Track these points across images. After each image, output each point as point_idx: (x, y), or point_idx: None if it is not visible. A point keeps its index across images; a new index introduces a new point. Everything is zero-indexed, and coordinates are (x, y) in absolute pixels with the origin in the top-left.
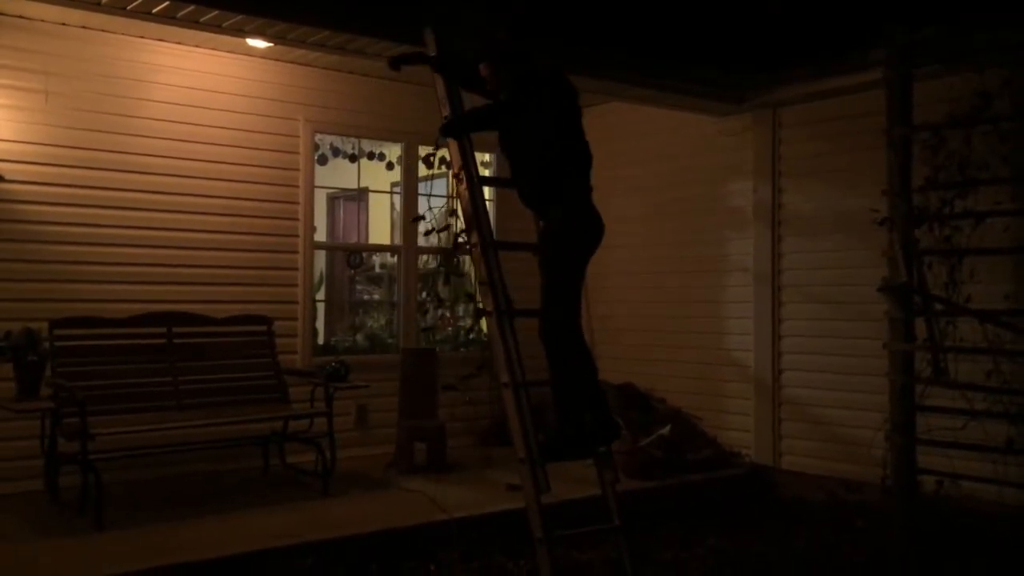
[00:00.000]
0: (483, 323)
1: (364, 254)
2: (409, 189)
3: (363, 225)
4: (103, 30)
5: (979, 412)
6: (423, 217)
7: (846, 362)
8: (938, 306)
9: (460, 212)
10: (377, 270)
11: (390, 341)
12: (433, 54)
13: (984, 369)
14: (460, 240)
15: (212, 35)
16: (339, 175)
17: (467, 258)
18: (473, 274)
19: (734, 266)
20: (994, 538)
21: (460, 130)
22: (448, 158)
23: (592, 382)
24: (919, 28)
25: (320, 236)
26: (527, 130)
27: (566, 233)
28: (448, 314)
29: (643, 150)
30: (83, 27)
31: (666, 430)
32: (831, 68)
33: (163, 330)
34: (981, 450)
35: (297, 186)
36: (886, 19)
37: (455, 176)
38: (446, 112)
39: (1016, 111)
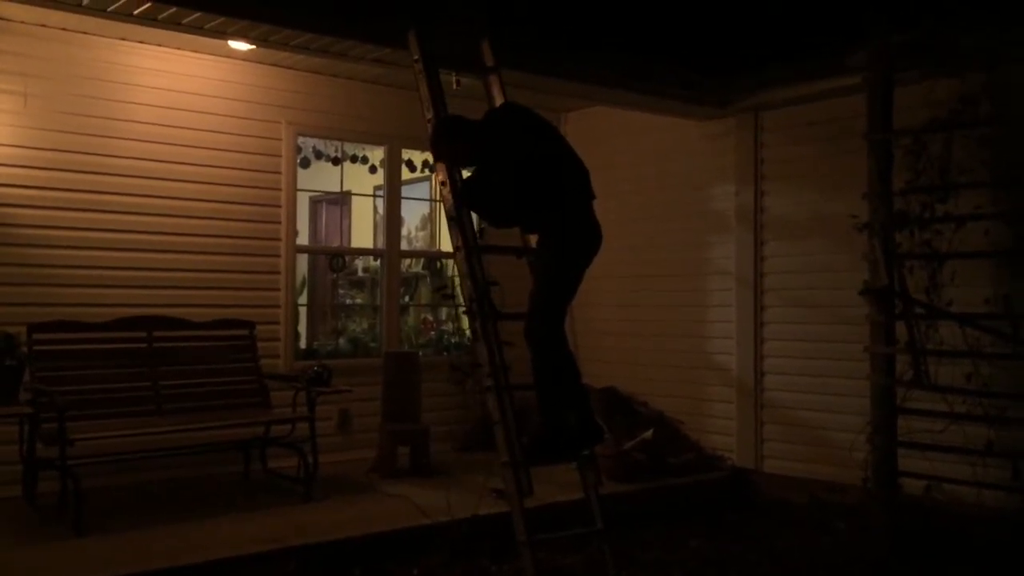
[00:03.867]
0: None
1: (347, 258)
2: (392, 193)
3: (346, 228)
4: (83, 32)
5: (959, 415)
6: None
7: (828, 365)
8: (918, 309)
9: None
10: (360, 274)
11: (373, 345)
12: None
13: (964, 372)
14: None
15: (194, 37)
16: (322, 178)
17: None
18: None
19: (716, 269)
20: (973, 540)
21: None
22: (431, 161)
23: (576, 386)
24: (900, 32)
25: (302, 239)
26: (510, 162)
27: (564, 245)
28: (431, 318)
29: (625, 154)
30: (63, 29)
31: (649, 434)
32: (812, 72)
33: (143, 334)
34: (961, 453)
35: (279, 189)
36: (867, 23)
37: (440, 182)
38: (429, 115)
39: (996, 115)
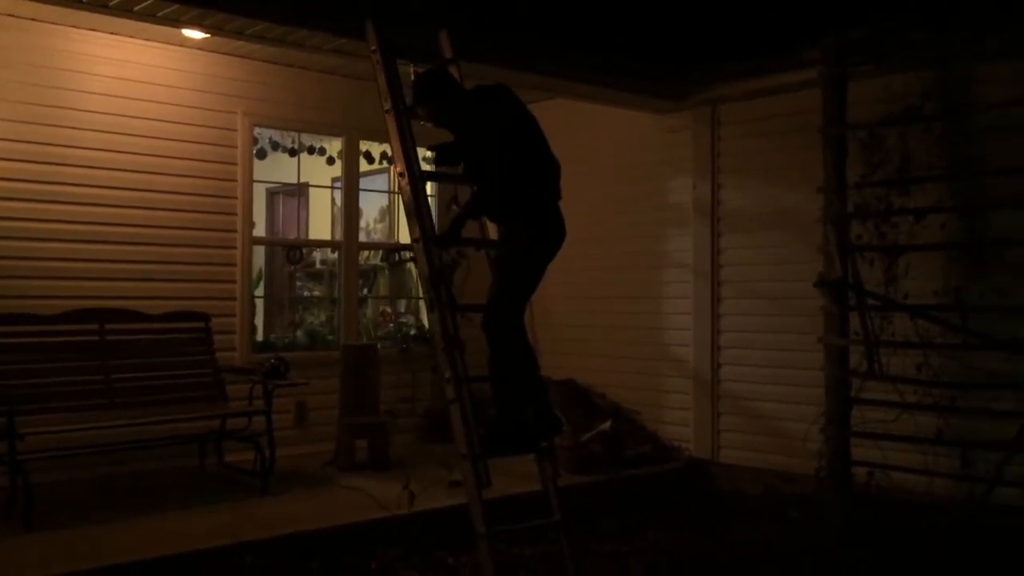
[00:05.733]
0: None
1: (304, 250)
2: (350, 184)
3: (303, 220)
4: (33, 19)
5: (910, 404)
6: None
7: (783, 356)
8: (871, 301)
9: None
10: (318, 266)
11: (330, 338)
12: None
13: (915, 363)
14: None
15: (147, 25)
16: (278, 169)
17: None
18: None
19: (674, 262)
20: (923, 528)
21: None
22: (390, 153)
23: (534, 379)
24: (854, 28)
25: (259, 231)
26: (481, 147)
27: (528, 241)
28: (389, 310)
29: (585, 147)
30: (10, 15)
31: (607, 425)
32: (768, 66)
33: (95, 327)
34: (912, 442)
35: (235, 180)
36: (822, 18)
37: (399, 173)
38: (387, 106)
39: (948, 111)
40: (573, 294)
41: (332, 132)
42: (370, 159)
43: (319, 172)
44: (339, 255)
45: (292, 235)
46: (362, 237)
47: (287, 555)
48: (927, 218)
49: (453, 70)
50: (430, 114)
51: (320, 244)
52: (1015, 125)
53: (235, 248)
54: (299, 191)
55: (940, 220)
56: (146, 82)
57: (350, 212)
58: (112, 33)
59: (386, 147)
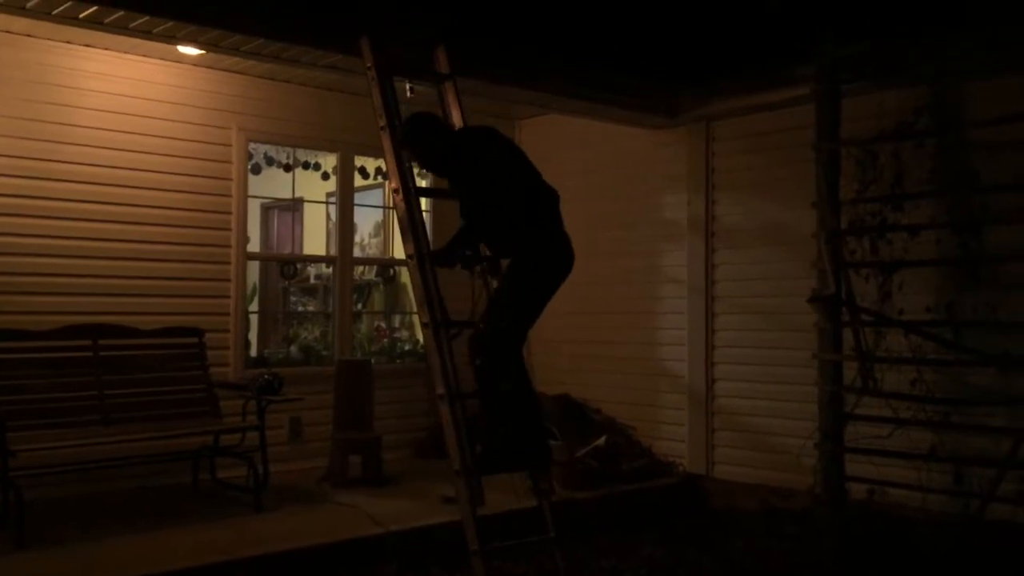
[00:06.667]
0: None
1: (298, 265)
2: (345, 199)
3: (298, 236)
4: (28, 35)
5: (904, 420)
6: None
7: (778, 372)
8: (865, 317)
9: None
10: (312, 281)
11: (325, 353)
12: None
13: (909, 378)
14: None
15: (142, 41)
16: (273, 185)
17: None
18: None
19: (668, 277)
20: (918, 544)
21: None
22: (385, 168)
23: (525, 400)
24: (847, 44)
25: (254, 246)
26: (474, 186)
27: (534, 269)
28: (384, 325)
29: (579, 162)
30: (6, 31)
31: (602, 440)
32: (762, 82)
33: (89, 342)
34: (906, 458)
35: (230, 196)
36: (815, 35)
37: (393, 189)
38: (383, 123)
39: (941, 127)
40: (568, 309)
41: (327, 147)
42: (365, 174)
43: (314, 187)
44: (333, 270)
45: (287, 250)
46: (357, 252)
47: (280, 572)
48: (920, 234)
49: (449, 86)
50: (417, 157)
51: (314, 259)
52: (1008, 141)
53: (229, 263)
54: (294, 206)
55: (933, 236)
56: (141, 98)
57: (345, 227)
58: (107, 49)
59: (381, 162)
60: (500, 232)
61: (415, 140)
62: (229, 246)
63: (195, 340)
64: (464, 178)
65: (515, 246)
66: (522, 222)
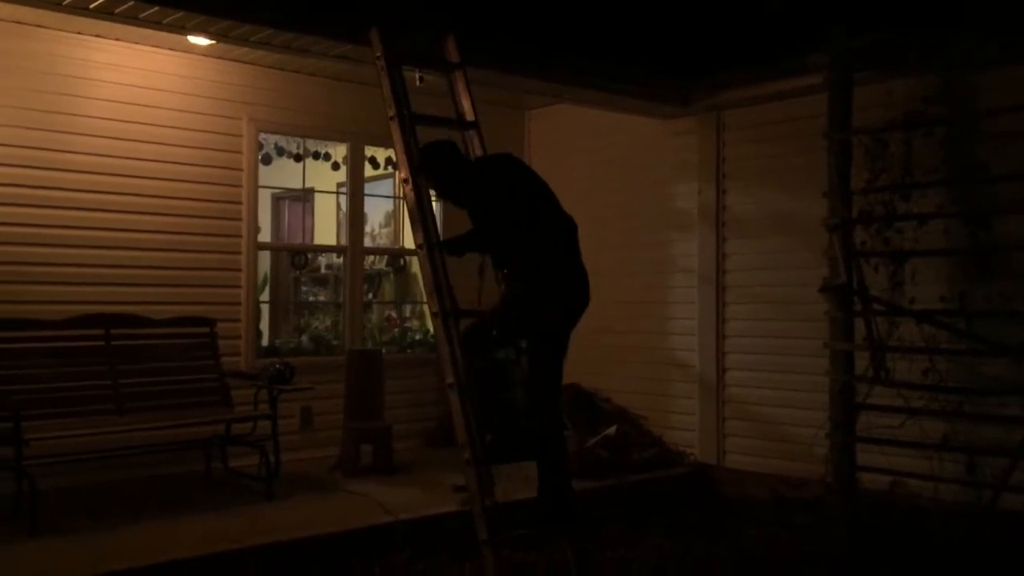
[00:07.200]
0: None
1: (309, 255)
2: (355, 189)
3: (308, 226)
4: (39, 25)
5: (916, 410)
6: None
7: (789, 361)
8: (876, 306)
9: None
10: (322, 271)
11: (335, 343)
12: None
13: (921, 368)
14: None
15: (152, 32)
16: (284, 175)
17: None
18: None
19: (679, 267)
20: (930, 534)
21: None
22: (394, 158)
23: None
24: (859, 34)
25: (264, 236)
26: (494, 215)
27: (546, 297)
28: (394, 315)
29: (590, 151)
30: (17, 22)
31: (612, 430)
32: (773, 72)
33: (101, 332)
34: (918, 448)
35: (241, 186)
36: (826, 24)
37: (403, 179)
38: (392, 112)
39: (953, 115)
40: None
41: (337, 137)
42: (375, 164)
43: (324, 177)
44: (344, 260)
45: (297, 240)
46: (367, 242)
47: (291, 560)
48: (932, 223)
49: (459, 75)
50: (435, 186)
51: (325, 249)
52: (1019, 131)
53: (240, 253)
54: (304, 196)
55: (943, 225)
56: (151, 88)
57: (355, 217)
58: (117, 40)
59: (391, 152)
60: (516, 261)
61: (432, 169)
62: (240, 236)
63: (207, 330)
64: (481, 208)
65: (530, 274)
66: (537, 253)
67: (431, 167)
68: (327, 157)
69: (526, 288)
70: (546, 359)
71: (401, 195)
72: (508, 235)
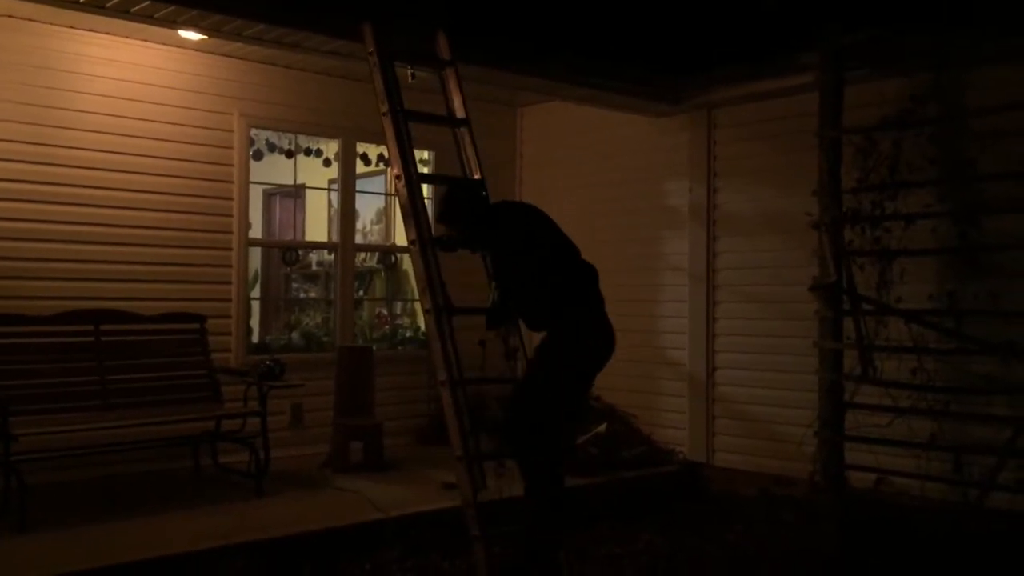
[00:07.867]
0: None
1: (300, 251)
2: (347, 186)
3: (300, 222)
4: (30, 19)
5: (904, 409)
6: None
7: (778, 360)
8: (866, 306)
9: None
10: (314, 267)
11: (326, 339)
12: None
13: (909, 367)
14: None
15: (143, 26)
16: (275, 171)
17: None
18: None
19: (670, 265)
20: (917, 532)
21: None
22: (386, 155)
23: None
24: (851, 32)
25: (255, 233)
26: (516, 263)
27: (576, 345)
28: (385, 312)
29: (581, 149)
30: (8, 16)
31: (602, 428)
32: (764, 70)
33: (90, 328)
34: (906, 446)
35: (232, 182)
36: (818, 22)
37: (395, 176)
38: (385, 108)
39: (942, 115)
40: None
41: (329, 134)
42: (367, 161)
43: (316, 174)
44: (335, 257)
45: (288, 237)
46: (358, 239)
47: (280, 557)
48: (921, 222)
49: (451, 71)
50: (453, 235)
51: (316, 246)
52: (1008, 130)
53: (231, 249)
54: (296, 193)
55: (931, 224)
56: (143, 83)
57: (346, 214)
58: (109, 34)
59: (383, 149)
60: (540, 310)
61: (449, 221)
62: (231, 232)
63: (197, 326)
64: (501, 255)
65: (556, 323)
66: (564, 301)
67: (451, 218)
68: (319, 153)
69: (559, 343)
70: (564, 403)
71: (393, 191)
72: (538, 285)
